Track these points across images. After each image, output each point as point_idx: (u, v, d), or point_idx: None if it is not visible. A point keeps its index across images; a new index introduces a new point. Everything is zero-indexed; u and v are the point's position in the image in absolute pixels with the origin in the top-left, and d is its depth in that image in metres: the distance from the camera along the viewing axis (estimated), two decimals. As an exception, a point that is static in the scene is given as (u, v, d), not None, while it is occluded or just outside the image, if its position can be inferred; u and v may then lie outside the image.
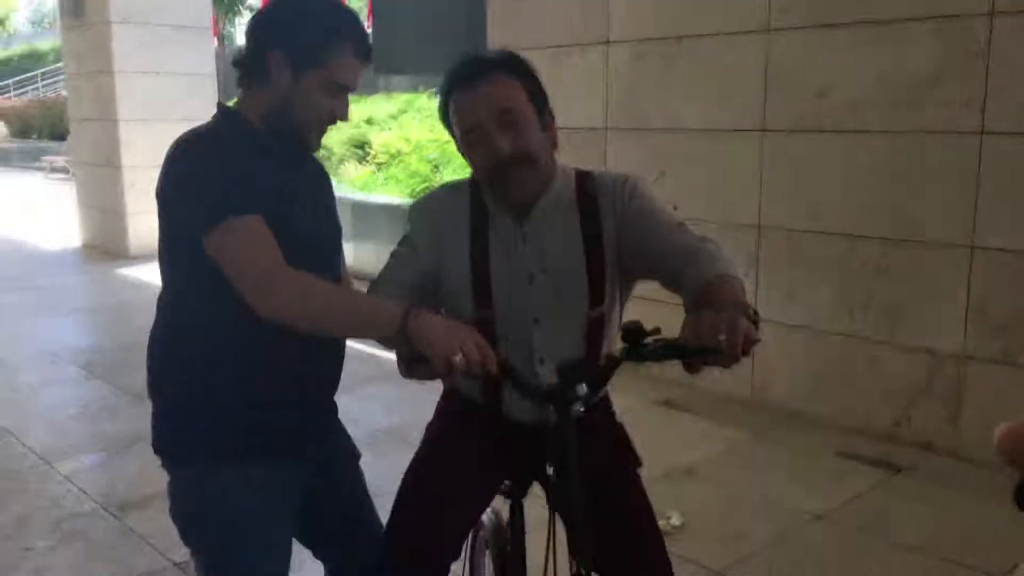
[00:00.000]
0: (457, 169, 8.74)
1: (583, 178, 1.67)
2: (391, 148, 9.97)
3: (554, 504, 1.61)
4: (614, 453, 1.75)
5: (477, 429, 1.76)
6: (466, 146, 1.62)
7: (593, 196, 1.64)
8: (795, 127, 4.17)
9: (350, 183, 9.48)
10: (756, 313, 1.34)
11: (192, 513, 1.68)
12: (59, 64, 31.49)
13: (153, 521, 3.31)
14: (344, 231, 5.78)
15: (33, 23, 49.64)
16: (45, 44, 35.16)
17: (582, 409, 1.48)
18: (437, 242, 1.67)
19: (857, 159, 3.98)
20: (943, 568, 2.93)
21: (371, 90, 16.17)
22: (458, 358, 1.40)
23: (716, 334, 1.26)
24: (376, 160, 10.06)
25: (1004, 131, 3.56)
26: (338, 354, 1.74)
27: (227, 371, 1.62)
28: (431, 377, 1.47)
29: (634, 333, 1.34)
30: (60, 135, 22.74)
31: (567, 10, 5.01)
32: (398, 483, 3.61)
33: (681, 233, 1.57)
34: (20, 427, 4.30)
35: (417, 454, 1.84)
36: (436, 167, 8.80)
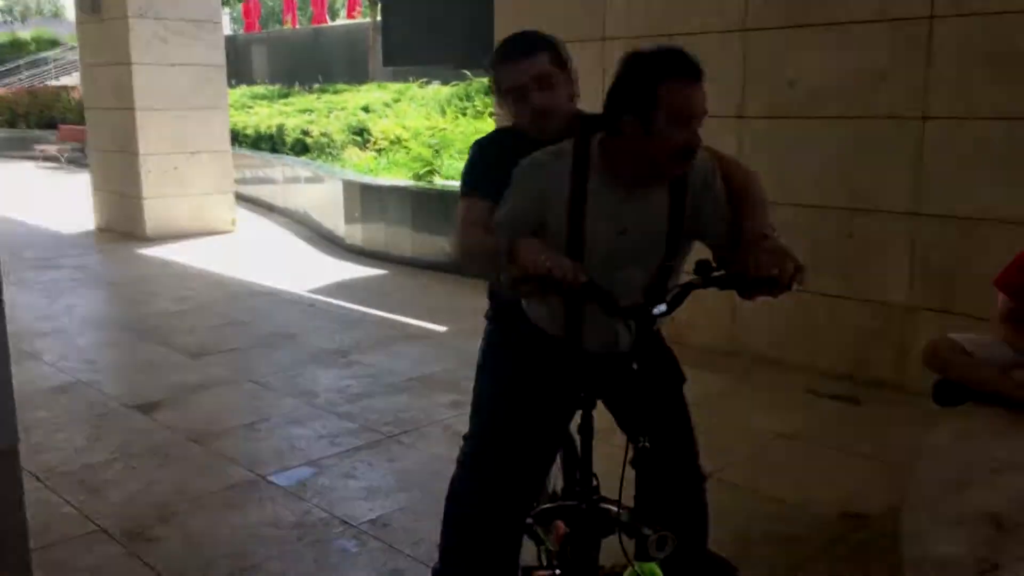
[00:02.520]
0: (454, 154, 9.35)
1: None
2: (390, 135, 10.55)
3: (633, 393, 1.96)
4: (668, 368, 2.24)
5: (557, 361, 2.10)
6: (674, 125, 1.84)
7: (684, 173, 1.94)
8: (769, 114, 4.85)
9: (353, 167, 10.05)
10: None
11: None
12: (43, 54, 31.65)
13: (236, 447, 3.96)
14: (354, 212, 7.17)
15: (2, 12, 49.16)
16: (26, 33, 35.24)
17: (659, 317, 1.90)
18: (540, 200, 1.98)
19: (822, 141, 4.66)
20: (889, 469, 3.63)
21: (362, 79, 16.71)
22: (548, 263, 1.74)
23: (772, 268, 1.73)
24: (376, 146, 10.63)
25: (941, 115, 4.26)
26: None
27: None
28: (531, 293, 1.86)
29: (705, 267, 1.86)
30: (49, 124, 23.02)
31: (568, 7, 5.64)
32: (435, 418, 4.25)
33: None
34: (94, 380, 4.90)
35: (509, 389, 2.17)
36: (436, 152, 9.41)
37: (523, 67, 2.12)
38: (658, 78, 1.82)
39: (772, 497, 3.41)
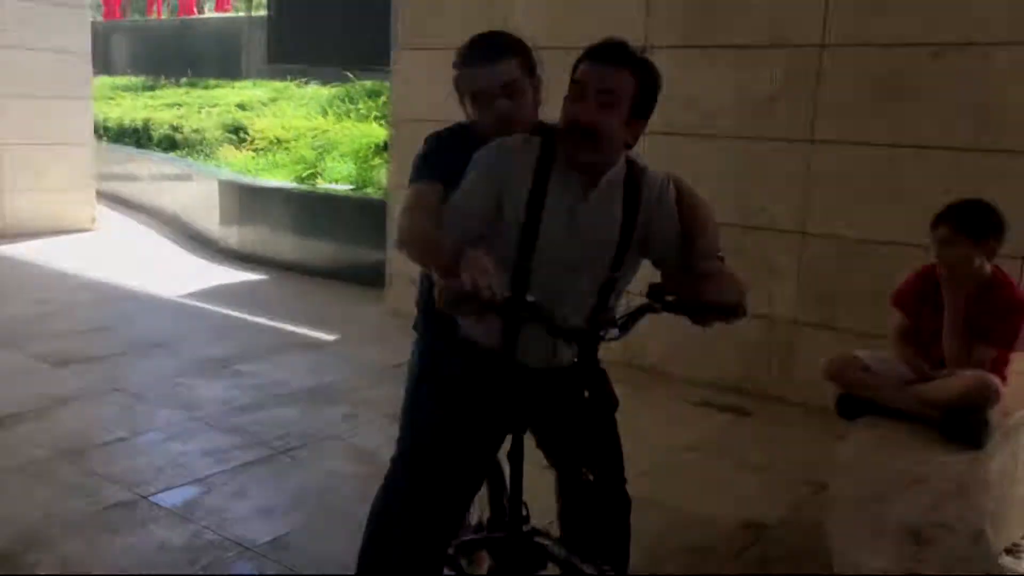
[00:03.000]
0: (338, 157, 9.11)
1: (633, 167, 1.99)
2: (270, 134, 10.19)
3: (578, 422, 1.90)
4: (603, 393, 2.07)
5: (492, 377, 2.01)
6: (567, 99, 1.90)
7: (639, 186, 1.96)
8: (667, 130, 4.91)
9: (229, 166, 9.64)
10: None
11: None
12: None
13: (112, 464, 3.66)
14: (231, 213, 6.85)
15: None
16: None
17: (610, 337, 1.84)
18: (501, 184, 1.92)
19: (717, 158, 4.79)
20: (780, 481, 3.75)
21: (235, 76, 16.10)
22: (463, 279, 1.68)
23: (732, 295, 1.76)
24: (254, 146, 10.24)
25: (828, 140, 4.46)
26: None
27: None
28: (469, 313, 1.73)
29: (658, 290, 1.83)
30: None
31: (469, 13, 5.58)
32: (330, 432, 4.07)
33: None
34: (-55, 391, 4.44)
35: (439, 407, 2.08)
36: (320, 154, 9.15)
37: (492, 73, 2.05)
38: (577, 64, 1.91)
39: (675, 509, 3.44)
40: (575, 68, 1.92)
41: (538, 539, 2.00)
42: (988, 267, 2.80)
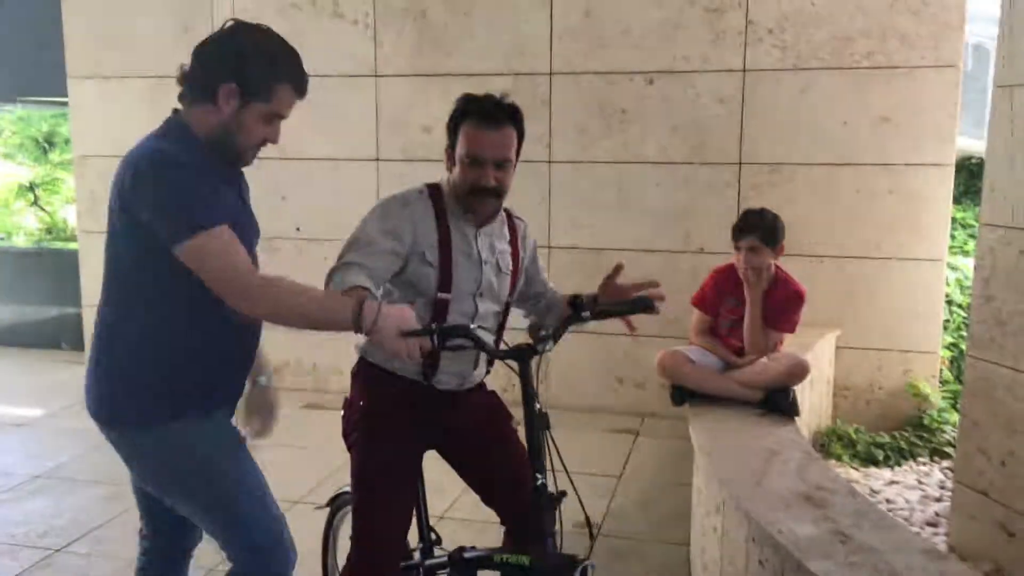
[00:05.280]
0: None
1: (508, 212, 2.27)
2: None
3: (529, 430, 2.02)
4: (499, 409, 2.36)
5: (409, 401, 2.14)
6: (466, 164, 2.07)
7: (515, 228, 2.27)
8: (405, 157, 4.99)
9: None
10: None
11: (178, 462, 1.91)
12: None
13: None
14: None
15: None
16: None
17: (546, 350, 1.99)
18: (407, 233, 2.05)
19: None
20: (578, 479, 3.96)
21: None
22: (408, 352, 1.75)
23: (631, 294, 2.08)
24: None
25: (562, 160, 4.85)
26: (258, 333, 2.05)
27: (182, 353, 1.88)
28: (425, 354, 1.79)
29: (579, 302, 2.01)
30: None
31: (169, 41, 5.12)
32: (103, 518, 3.58)
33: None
34: None
35: (363, 445, 2.13)
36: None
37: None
38: (460, 117, 2.09)
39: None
40: (457, 123, 2.09)
41: (469, 554, 2.11)
42: (774, 266, 3.30)
